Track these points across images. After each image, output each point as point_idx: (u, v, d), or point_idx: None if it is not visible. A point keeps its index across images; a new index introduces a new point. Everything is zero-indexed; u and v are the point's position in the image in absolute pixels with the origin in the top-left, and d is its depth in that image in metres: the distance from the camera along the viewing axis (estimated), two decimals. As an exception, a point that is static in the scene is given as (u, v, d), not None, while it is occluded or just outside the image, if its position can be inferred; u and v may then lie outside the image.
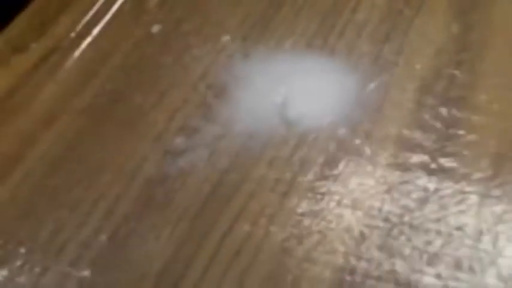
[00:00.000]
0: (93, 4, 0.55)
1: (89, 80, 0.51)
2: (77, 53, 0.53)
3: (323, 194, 0.43)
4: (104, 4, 0.55)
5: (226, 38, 0.52)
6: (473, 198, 0.41)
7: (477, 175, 0.42)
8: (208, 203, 0.44)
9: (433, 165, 0.43)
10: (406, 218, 0.41)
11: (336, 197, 0.43)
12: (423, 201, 0.42)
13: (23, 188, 0.45)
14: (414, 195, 0.42)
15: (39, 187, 0.45)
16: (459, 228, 0.40)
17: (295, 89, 0.48)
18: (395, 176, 0.43)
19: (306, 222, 0.42)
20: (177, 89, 0.50)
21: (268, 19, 0.52)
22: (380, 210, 0.42)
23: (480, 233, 0.40)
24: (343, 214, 0.42)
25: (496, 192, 0.42)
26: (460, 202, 0.41)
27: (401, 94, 0.47)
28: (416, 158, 0.44)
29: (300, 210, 0.42)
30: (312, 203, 0.43)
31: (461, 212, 0.41)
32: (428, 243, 0.40)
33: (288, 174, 0.44)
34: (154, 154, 0.47)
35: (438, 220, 0.41)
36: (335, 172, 0.44)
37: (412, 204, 0.41)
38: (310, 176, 0.44)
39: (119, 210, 0.44)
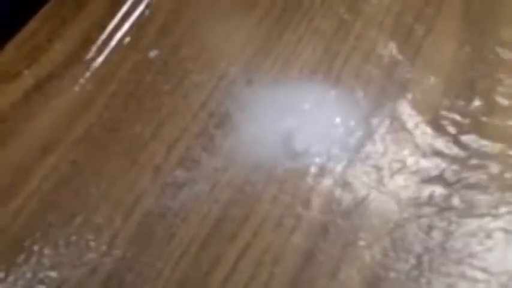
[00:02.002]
0: (87, 29, 0.53)
1: (84, 109, 0.49)
2: (72, 80, 0.51)
3: (330, 230, 0.41)
4: (98, 29, 0.52)
5: (226, 63, 0.50)
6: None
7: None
8: (211, 240, 0.42)
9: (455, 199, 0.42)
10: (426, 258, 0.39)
11: (347, 233, 0.40)
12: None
13: (15, 224, 0.43)
14: (434, 233, 0.40)
15: (32, 224, 0.43)
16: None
17: (300, 119, 0.46)
18: (412, 210, 0.41)
19: (314, 261, 0.39)
20: (176, 117, 0.48)
21: (271, 45, 0.50)
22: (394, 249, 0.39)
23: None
24: (356, 252, 0.39)
25: None
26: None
27: (411, 122, 0.45)
28: (433, 189, 0.42)
29: (306, 249, 0.40)
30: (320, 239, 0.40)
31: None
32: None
33: (293, 210, 0.42)
34: (153, 187, 0.45)
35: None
36: (343, 207, 0.42)
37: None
38: (316, 212, 0.42)
39: (116, 248, 0.42)
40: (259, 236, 0.41)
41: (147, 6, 0.54)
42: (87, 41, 0.53)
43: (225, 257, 0.41)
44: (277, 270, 0.40)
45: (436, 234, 0.40)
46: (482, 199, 0.41)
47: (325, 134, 0.45)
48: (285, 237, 0.41)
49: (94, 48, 0.52)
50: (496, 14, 0.49)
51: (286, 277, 0.40)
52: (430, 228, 0.40)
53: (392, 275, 0.39)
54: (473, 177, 0.42)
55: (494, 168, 0.42)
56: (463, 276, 0.38)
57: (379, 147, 0.44)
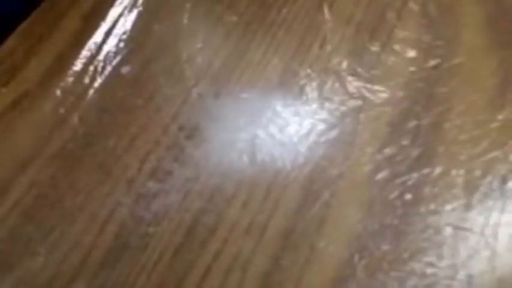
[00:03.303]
0: (63, 46, 0.55)
1: (60, 124, 0.51)
2: (48, 97, 0.52)
3: (296, 234, 0.43)
4: (72, 46, 0.54)
5: (196, 77, 0.52)
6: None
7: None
8: (183, 247, 0.44)
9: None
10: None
11: (312, 238, 0.42)
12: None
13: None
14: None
15: (12, 236, 0.45)
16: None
17: (267, 128, 0.48)
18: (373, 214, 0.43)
19: (283, 266, 0.41)
20: (149, 131, 0.50)
21: (238, 57, 0.52)
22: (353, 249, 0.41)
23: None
24: (322, 257, 0.42)
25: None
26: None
27: (374, 127, 0.47)
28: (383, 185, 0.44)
29: (274, 254, 0.42)
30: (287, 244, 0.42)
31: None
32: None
33: (262, 216, 0.44)
34: (127, 198, 0.46)
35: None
36: (311, 212, 0.44)
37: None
38: (284, 218, 0.44)
39: (93, 259, 0.44)
40: (230, 242, 0.43)
41: (119, 24, 0.56)
42: (62, 58, 0.54)
43: (197, 264, 0.43)
44: (247, 275, 0.42)
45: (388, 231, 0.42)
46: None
47: (291, 142, 0.47)
48: (254, 243, 0.43)
49: (69, 65, 0.54)
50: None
51: (257, 281, 0.42)
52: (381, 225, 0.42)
53: (350, 274, 0.41)
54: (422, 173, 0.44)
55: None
56: (412, 271, 0.40)
57: (342, 153, 0.46)
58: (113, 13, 0.57)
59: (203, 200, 0.45)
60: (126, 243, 0.44)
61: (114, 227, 0.45)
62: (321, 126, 0.48)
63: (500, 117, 0.46)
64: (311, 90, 0.50)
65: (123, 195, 0.46)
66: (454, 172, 0.44)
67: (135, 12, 0.56)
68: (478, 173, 0.44)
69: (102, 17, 0.57)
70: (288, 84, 0.50)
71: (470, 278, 0.40)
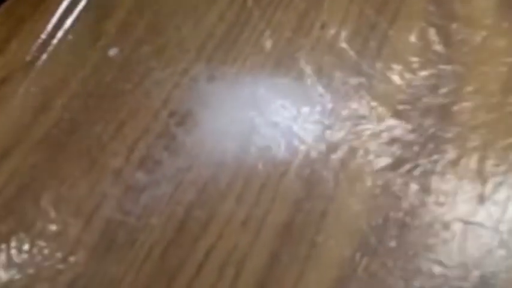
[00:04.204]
0: (45, 27, 0.51)
1: (43, 110, 0.48)
2: (30, 81, 0.49)
3: (296, 229, 0.40)
4: (56, 28, 0.51)
5: (188, 59, 0.48)
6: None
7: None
8: (175, 243, 0.41)
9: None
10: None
11: (312, 233, 0.39)
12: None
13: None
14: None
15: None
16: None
17: (264, 114, 0.45)
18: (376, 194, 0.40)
19: (282, 262, 0.38)
20: (137, 117, 0.47)
21: (233, 39, 0.49)
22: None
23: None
24: (323, 253, 0.39)
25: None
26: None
27: (373, 113, 0.44)
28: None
29: (272, 249, 0.39)
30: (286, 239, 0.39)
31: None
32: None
33: (259, 210, 0.41)
34: (114, 190, 0.43)
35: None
36: (311, 205, 0.41)
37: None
38: (282, 211, 0.41)
39: (78, 255, 0.41)
40: (224, 237, 0.41)
41: (106, 3, 0.53)
42: (45, 41, 0.51)
43: (189, 260, 0.40)
44: (243, 271, 0.39)
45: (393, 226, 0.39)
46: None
47: (290, 128, 0.44)
48: (250, 238, 0.40)
49: (52, 48, 0.51)
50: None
51: (253, 278, 0.39)
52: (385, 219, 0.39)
53: (352, 272, 0.38)
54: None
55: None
56: (418, 270, 0.37)
57: (342, 139, 0.43)
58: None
59: (195, 191, 0.43)
60: (113, 238, 0.41)
61: (100, 222, 0.42)
62: (321, 112, 0.45)
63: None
64: (311, 74, 0.46)
65: (110, 186, 0.43)
66: (464, 160, 0.41)
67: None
68: (491, 161, 0.41)
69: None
70: (286, 68, 0.47)
71: (483, 278, 0.37)
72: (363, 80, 0.46)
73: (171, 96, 0.47)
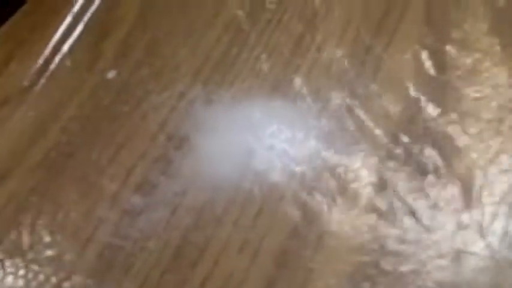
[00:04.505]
0: (43, 51, 0.52)
1: (41, 133, 0.48)
2: (29, 104, 0.50)
3: (292, 255, 0.40)
4: (54, 51, 0.51)
5: (186, 83, 0.49)
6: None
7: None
8: (171, 268, 0.41)
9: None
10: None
11: (309, 259, 0.39)
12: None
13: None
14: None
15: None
16: None
17: (260, 139, 0.45)
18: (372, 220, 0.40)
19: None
20: (135, 141, 0.47)
21: (230, 62, 0.49)
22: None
23: None
24: (320, 280, 0.38)
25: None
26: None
27: (371, 134, 0.44)
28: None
29: (269, 275, 0.39)
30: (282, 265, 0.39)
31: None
32: None
33: (256, 235, 0.41)
34: (111, 214, 0.43)
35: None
36: (308, 230, 0.41)
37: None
38: (279, 236, 0.41)
39: (73, 280, 0.41)
40: (221, 262, 0.40)
41: (104, 26, 0.53)
42: (43, 65, 0.51)
43: (186, 286, 0.40)
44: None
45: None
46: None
47: (286, 152, 0.44)
48: (247, 264, 0.40)
49: (51, 71, 0.51)
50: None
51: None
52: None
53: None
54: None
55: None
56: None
57: (339, 162, 0.43)
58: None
59: (192, 216, 0.42)
60: (109, 263, 0.41)
61: (97, 246, 0.42)
62: (318, 135, 0.45)
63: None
64: (307, 96, 0.46)
65: (107, 211, 0.43)
66: (462, 189, 0.41)
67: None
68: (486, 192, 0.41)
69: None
70: (283, 90, 0.47)
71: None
72: (358, 102, 0.45)
73: (168, 119, 0.47)
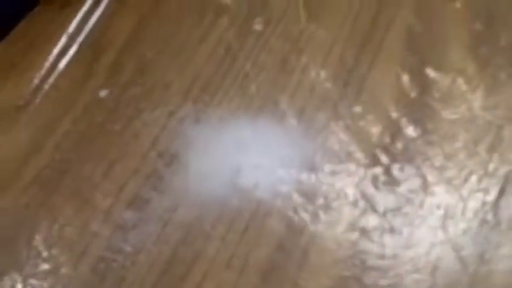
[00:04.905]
0: (39, 69, 0.53)
1: (35, 151, 0.50)
2: (23, 122, 0.51)
3: (279, 269, 0.41)
4: (48, 71, 0.53)
5: (175, 101, 0.50)
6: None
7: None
8: (161, 282, 0.42)
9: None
10: None
11: (295, 273, 0.41)
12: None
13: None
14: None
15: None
16: None
17: (248, 157, 0.47)
18: (353, 236, 0.42)
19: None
20: (127, 157, 0.48)
21: (218, 82, 0.51)
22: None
23: None
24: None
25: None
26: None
27: (355, 155, 0.46)
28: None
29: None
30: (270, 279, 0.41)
31: None
32: None
33: (243, 250, 0.43)
34: (104, 229, 0.45)
35: None
36: (294, 246, 0.43)
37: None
38: (266, 251, 0.42)
39: (68, 294, 0.42)
40: (210, 276, 0.42)
41: (97, 46, 0.55)
42: (39, 83, 0.53)
43: (176, 300, 0.42)
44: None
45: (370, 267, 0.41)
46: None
47: (273, 170, 0.46)
48: (235, 277, 0.42)
49: (45, 90, 0.53)
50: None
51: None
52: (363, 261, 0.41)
53: None
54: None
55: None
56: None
57: (323, 181, 0.45)
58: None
59: (182, 231, 0.44)
60: (102, 276, 0.43)
61: (91, 260, 0.44)
62: (302, 154, 0.47)
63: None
64: (293, 116, 0.48)
65: (100, 226, 0.45)
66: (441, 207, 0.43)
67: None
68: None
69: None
70: (269, 110, 0.49)
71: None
72: (341, 122, 0.47)
73: (159, 137, 0.49)
